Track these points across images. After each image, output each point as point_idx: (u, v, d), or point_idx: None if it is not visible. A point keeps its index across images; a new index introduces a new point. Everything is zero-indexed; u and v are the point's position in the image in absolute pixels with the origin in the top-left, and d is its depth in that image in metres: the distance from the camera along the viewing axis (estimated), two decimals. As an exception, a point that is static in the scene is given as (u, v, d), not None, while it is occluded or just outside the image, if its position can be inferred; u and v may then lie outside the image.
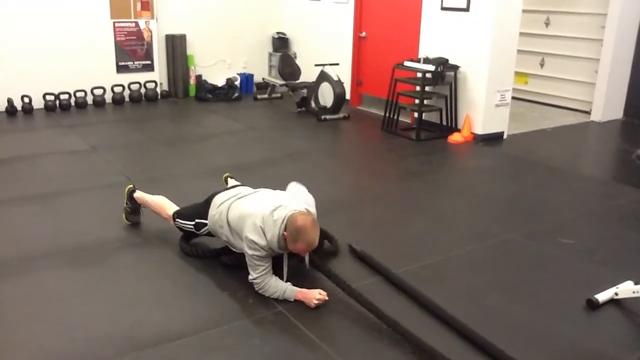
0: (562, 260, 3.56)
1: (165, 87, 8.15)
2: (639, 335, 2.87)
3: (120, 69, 7.69)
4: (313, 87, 7.25)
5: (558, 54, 7.84)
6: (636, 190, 4.83)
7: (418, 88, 6.25)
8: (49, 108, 7.16)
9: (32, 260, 3.40)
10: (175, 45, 7.95)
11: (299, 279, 3.12)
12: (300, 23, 8.61)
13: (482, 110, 6.17)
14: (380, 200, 4.58)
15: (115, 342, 2.65)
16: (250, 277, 3.02)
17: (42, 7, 7.03)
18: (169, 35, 7.96)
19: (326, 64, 7.12)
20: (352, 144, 6.48)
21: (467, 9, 6.07)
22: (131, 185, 3.89)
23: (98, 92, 7.46)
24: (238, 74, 8.57)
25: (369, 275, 3.28)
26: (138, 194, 3.82)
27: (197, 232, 3.46)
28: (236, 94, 8.17)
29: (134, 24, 7.66)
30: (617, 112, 7.41)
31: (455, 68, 6.21)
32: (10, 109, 6.92)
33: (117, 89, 7.62)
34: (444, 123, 6.39)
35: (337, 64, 7.28)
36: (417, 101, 6.31)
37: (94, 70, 7.46)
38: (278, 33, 8.74)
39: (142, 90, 7.83)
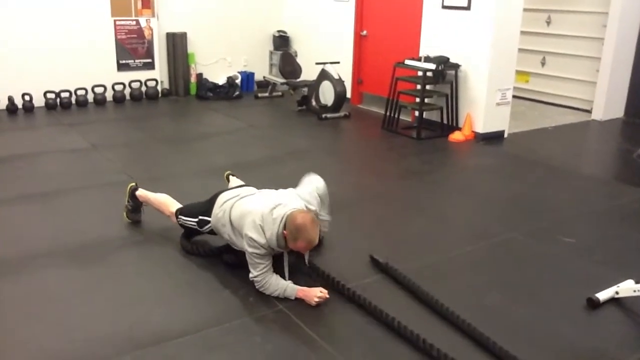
0: (562, 259, 3.56)
1: (166, 86, 8.15)
2: (639, 334, 2.86)
3: (121, 67, 7.69)
4: (314, 85, 7.25)
5: (559, 53, 7.83)
6: (637, 189, 4.83)
7: (419, 86, 6.25)
8: (49, 106, 7.16)
9: (33, 259, 3.40)
10: (176, 43, 7.95)
11: (299, 277, 3.12)
12: (301, 21, 8.61)
13: (483, 108, 6.17)
14: (381, 199, 4.58)
15: (116, 341, 2.66)
16: (250, 275, 3.02)
17: (42, 5, 7.02)
18: (170, 34, 7.95)
19: (327, 63, 7.11)
20: (353, 142, 6.48)
21: (468, 8, 6.06)
22: (133, 184, 3.89)
23: (99, 90, 7.46)
24: (239, 72, 8.57)
25: (370, 274, 3.27)
26: (140, 192, 3.82)
27: (200, 230, 3.46)
28: (237, 93, 8.17)
29: (134, 22, 7.65)
30: (618, 111, 7.41)
31: (456, 66, 6.21)
32: (11, 107, 6.92)
33: (118, 87, 7.62)
34: (445, 122, 6.39)
35: (338, 63, 7.28)
36: (417, 100, 6.30)
37: (94, 68, 7.46)
38: (279, 31, 8.73)
39: (143, 89, 7.82)
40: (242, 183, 3.77)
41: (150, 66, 7.88)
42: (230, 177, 4.09)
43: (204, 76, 8.29)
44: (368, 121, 7.05)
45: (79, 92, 7.38)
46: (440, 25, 6.41)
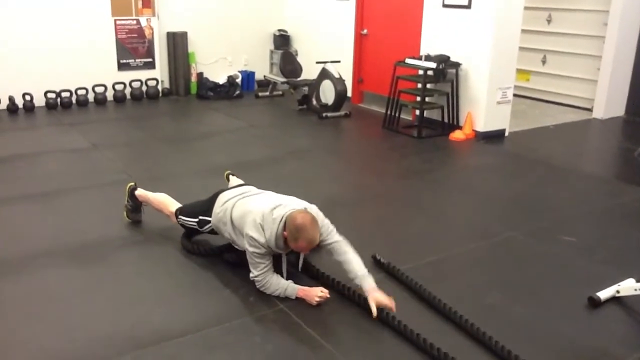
0: (563, 258, 3.56)
1: (167, 85, 8.15)
2: (640, 333, 2.87)
3: (122, 66, 7.69)
4: (314, 84, 7.25)
5: (560, 51, 7.83)
6: (638, 188, 4.82)
7: (419, 85, 6.24)
8: (50, 106, 7.17)
9: (33, 259, 3.40)
10: (177, 42, 7.95)
11: (299, 277, 3.13)
12: (301, 20, 8.60)
13: (484, 107, 6.17)
14: (382, 198, 4.58)
15: (117, 341, 2.66)
16: (251, 274, 3.02)
17: (43, 5, 7.03)
18: (170, 33, 7.95)
19: (327, 62, 7.11)
20: (354, 141, 6.48)
21: (468, 6, 6.05)
22: (132, 183, 3.89)
23: (99, 89, 7.46)
24: (239, 71, 8.57)
25: (372, 273, 3.26)
26: (139, 192, 3.82)
27: (200, 230, 3.46)
28: (237, 92, 8.17)
29: (135, 22, 7.65)
30: (619, 109, 7.40)
31: (456, 65, 6.20)
32: (12, 107, 6.93)
33: (119, 87, 7.62)
34: (446, 120, 6.39)
35: (339, 62, 7.27)
36: (418, 99, 6.30)
37: (95, 68, 7.46)
38: (279, 30, 8.73)
39: (144, 88, 7.82)
40: (242, 182, 3.77)
41: (150, 66, 7.89)
42: (230, 176, 4.09)
43: (205, 75, 8.29)
44: (369, 120, 7.05)
45: (80, 92, 7.38)
46: (440, 24, 6.40)
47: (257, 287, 3.02)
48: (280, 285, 2.99)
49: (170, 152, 5.62)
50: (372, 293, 2.82)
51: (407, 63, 6.37)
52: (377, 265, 3.37)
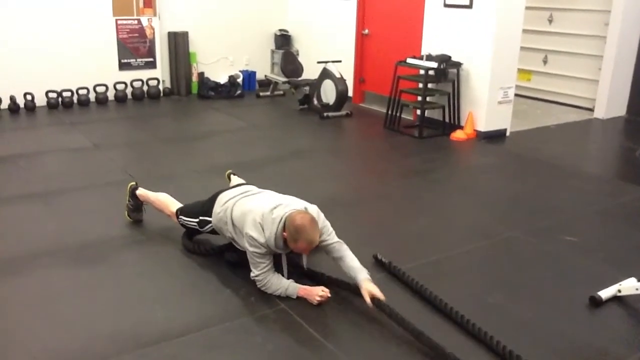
0: (565, 258, 3.55)
1: (168, 85, 8.15)
2: (641, 333, 2.87)
3: (123, 66, 7.69)
4: (315, 84, 7.25)
5: (561, 51, 7.82)
6: (639, 188, 4.81)
7: (421, 85, 6.24)
8: (51, 105, 7.17)
9: (35, 259, 3.40)
10: (178, 42, 7.95)
11: (300, 276, 3.12)
12: (302, 20, 8.60)
13: (485, 107, 6.16)
14: (383, 197, 4.57)
15: (118, 340, 2.66)
16: (252, 274, 3.02)
17: (44, 5, 7.03)
18: (172, 33, 7.95)
19: (329, 61, 7.11)
20: (355, 141, 6.48)
21: (470, 6, 6.05)
22: (133, 183, 3.89)
23: (100, 89, 7.46)
24: (240, 71, 8.57)
25: (372, 273, 3.26)
26: (140, 192, 3.82)
27: (201, 230, 3.46)
28: (238, 92, 8.18)
29: (136, 22, 7.65)
30: (620, 109, 7.39)
31: (458, 65, 6.20)
32: (13, 107, 6.93)
33: (120, 87, 7.63)
34: (447, 120, 6.38)
35: (340, 62, 7.27)
36: (419, 98, 6.29)
37: (96, 67, 7.46)
38: (280, 30, 8.73)
39: (145, 88, 7.83)
40: (244, 182, 3.77)
41: (152, 65, 7.89)
42: (232, 176, 4.09)
43: (206, 75, 8.29)
44: (370, 120, 7.05)
45: (81, 92, 7.39)
46: (442, 23, 6.40)
47: (258, 286, 3.02)
48: (281, 284, 2.99)
49: (171, 151, 5.62)
50: (365, 284, 2.87)
51: (409, 63, 6.37)
52: (378, 265, 3.36)
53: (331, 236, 3.04)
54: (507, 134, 6.41)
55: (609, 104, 7.23)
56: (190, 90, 8.18)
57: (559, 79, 7.90)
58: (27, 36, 6.99)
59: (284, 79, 7.83)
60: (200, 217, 3.42)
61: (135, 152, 5.64)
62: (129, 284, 3.16)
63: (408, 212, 4.32)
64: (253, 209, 3.03)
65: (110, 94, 7.57)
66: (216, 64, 8.45)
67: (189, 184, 4.62)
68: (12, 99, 6.93)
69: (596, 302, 3.00)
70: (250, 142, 6.00)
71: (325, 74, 7.09)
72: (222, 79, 8.29)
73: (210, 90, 8.06)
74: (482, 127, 6.22)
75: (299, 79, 7.73)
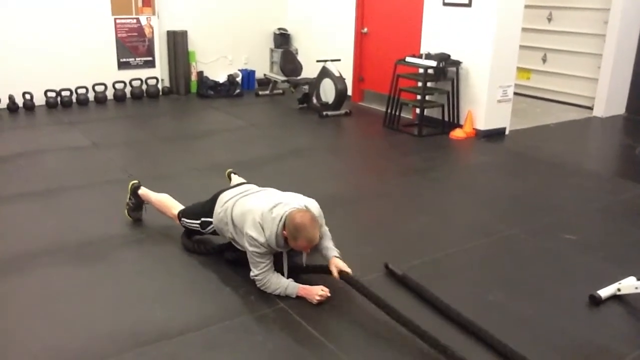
0: (564, 256, 3.55)
1: (167, 84, 8.14)
2: (641, 331, 2.87)
3: (122, 65, 7.69)
4: (315, 83, 7.24)
5: (560, 50, 7.82)
6: (638, 185, 4.82)
7: (420, 84, 6.24)
8: (50, 105, 7.16)
9: (34, 258, 3.40)
10: (177, 41, 7.94)
11: (299, 275, 3.12)
12: (301, 19, 8.60)
13: (484, 106, 6.16)
14: (382, 196, 4.57)
15: (117, 339, 2.65)
16: (251, 273, 3.01)
17: (43, 4, 7.02)
18: (171, 32, 7.95)
19: (328, 60, 7.11)
20: (354, 140, 6.47)
21: (469, 5, 6.05)
22: (136, 181, 3.88)
23: (99, 88, 7.46)
24: (239, 70, 8.56)
25: (371, 271, 3.27)
26: (142, 191, 3.81)
27: (203, 231, 3.45)
28: (238, 91, 8.17)
29: (135, 20, 7.65)
30: (619, 107, 7.39)
31: (457, 64, 6.20)
32: (12, 106, 6.92)
33: (119, 86, 7.62)
34: (446, 119, 6.38)
35: (339, 60, 7.27)
36: (419, 97, 6.29)
37: (95, 66, 7.46)
38: (279, 29, 8.72)
39: (144, 87, 7.82)
40: (244, 181, 3.76)
41: (150, 64, 7.88)
42: (232, 175, 4.08)
43: (205, 74, 8.29)
44: (369, 119, 7.04)
45: (80, 91, 7.38)
46: (441, 22, 6.39)
47: (258, 286, 3.02)
48: (281, 284, 2.99)
49: (170, 150, 5.62)
50: (334, 260, 3.05)
51: (408, 61, 6.37)
52: (390, 276, 3.23)
53: (323, 222, 3.17)
54: (507, 132, 6.41)
55: (608, 102, 7.23)
56: (189, 89, 8.18)
57: (558, 77, 7.90)
58: (25, 35, 6.98)
59: (283, 78, 7.83)
60: (202, 219, 3.41)
61: (134, 151, 5.64)
62: (128, 283, 3.16)
63: (408, 210, 4.31)
64: (253, 209, 3.03)
65: (109, 93, 7.57)
66: (215, 62, 8.44)
67: (189, 182, 4.62)
68: (11, 98, 6.92)
69: (596, 301, 3.00)
70: (250, 141, 5.99)
71: (325, 73, 7.08)
72: (221, 78, 8.29)
73: (209, 89, 8.05)
74: (482, 125, 6.22)
75: (298, 77, 7.73)
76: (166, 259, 3.42)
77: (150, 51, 7.84)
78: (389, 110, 6.56)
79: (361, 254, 3.49)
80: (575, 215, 4.20)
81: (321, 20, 8.22)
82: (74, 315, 2.84)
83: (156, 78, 7.87)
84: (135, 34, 7.68)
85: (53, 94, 7.19)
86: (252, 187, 3.40)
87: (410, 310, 2.82)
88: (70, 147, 5.59)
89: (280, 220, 2.91)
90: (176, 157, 5.39)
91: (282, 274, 3.07)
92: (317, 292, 2.94)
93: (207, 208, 3.38)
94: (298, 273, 3.13)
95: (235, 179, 3.98)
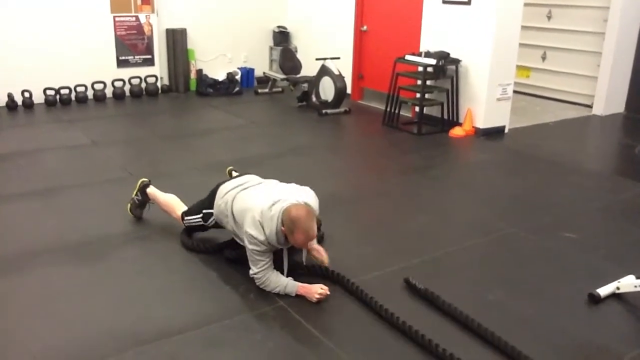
0: (563, 255, 3.56)
1: (166, 82, 8.13)
2: (641, 329, 2.87)
3: (121, 63, 7.68)
4: (314, 81, 7.24)
5: (560, 48, 7.81)
6: (638, 184, 4.82)
7: (419, 82, 6.23)
8: (49, 103, 7.15)
9: (34, 256, 3.40)
10: (176, 39, 7.93)
11: (299, 274, 3.12)
12: (301, 17, 8.59)
13: (484, 104, 6.16)
14: (382, 194, 4.57)
15: (118, 337, 2.66)
16: (251, 272, 3.01)
17: (42, 3, 7.00)
18: (170, 30, 7.94)
19: (327, 58, 7.10)
20: (353, 138, 6.47)
21: (468, 3, 6.04)
22: (146, 179, 3.88)
23: (98, 86, 7.45)
24: (239, 68, 8.55)
25: (371, 270, 3.27)
26: (151, 190, 3.81)
27: (206, 224, 3.44)
28: (237, 89, 8.16)
29: (134, 18, 7.63)
30: (619, 106, 7.39)
31: (456, 62, 6.19)
32: (11, 104, 6.91)
33: (118, 84, 7.61)
34: (446, 117, 6.38)
35: (338, 58, 7.26)
36: (418, 95, 6.29)
37: (94, 64, 7.44)
38: (279, 27, 8.71)
39: (143, 85, 7.81)
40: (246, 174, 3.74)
41: (150, 62, 7.87)
42: (232, 172, 4.08)
43: (204, 72, 8.28)
44: (368, 117, 7.04)
45: (79, 89, 7.36)
46: (440, 20, 6.39)
47: (257, 284, 3.02)
48: (280, 282, 2.99)
49: (169, 148, 5.62)
50: (312, 246, 3.10)
51: (407, 59, 6.36)
52: (410, 289, 3.09)
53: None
54: (506, 130, 6.40)
55: (608, 100, 7.23)
56: (188, 88, 8.17)
57: (557, 75, 7.90)
58: (24, 33, 6.97)
59: (283, 76, 7.82)
60: (203, 211, 3.41)
61: (133, 149, 5.63)
62: (128, 282, 3.16)
63: (407, 209, 4.31)
64: (252, 207, 3.02)
65: (109, 91, 7.55)
66: (214, 61, 8.43)
67: (189, 180, 4.61)
68: (10, 96, 6.91)
69: (595, 299, 3.00)
70: (249, 139, 5.99)
71: (324, 71, 7.08)
72: (221, 76, 8.28)
73: (208, 87, 8.04)
74: (481, 123, 6.22)
75: (298, 75, 7.72)
76: (166, 258, 3.42)
77: (149, 49, 7.83)
78: (388, 109, 6.56)
79: (361, 252, 3.49)
80: (575, 214, 4.21)
81: (321, 19, 8.21)
82: (74, 314, 2.84)
83: (155, 76, 7.86)
84: (135, 32, 7.67)
85: (52, 92, 7.18)
86: (252, 179, 3.37)
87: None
88: (69, 145, 5.59)
89: (278, 218, 2.91)
90: (176, 155, 5.39)
91: (282, 273, 3.07)
92: (317, 290, 2.94)
93: (207, 201, 3.40)
94: (297, 271, 3.13)
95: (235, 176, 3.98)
